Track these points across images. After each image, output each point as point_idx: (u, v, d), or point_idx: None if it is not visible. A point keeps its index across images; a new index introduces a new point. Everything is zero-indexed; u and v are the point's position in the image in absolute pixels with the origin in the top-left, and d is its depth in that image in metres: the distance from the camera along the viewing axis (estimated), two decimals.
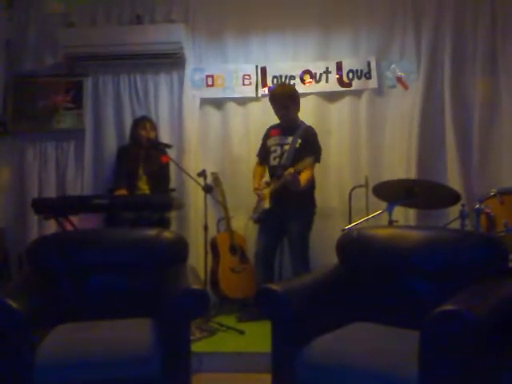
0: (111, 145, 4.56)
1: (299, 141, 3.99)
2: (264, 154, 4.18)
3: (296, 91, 4.12)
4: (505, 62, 4.23)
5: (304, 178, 3.81)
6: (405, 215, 4.21)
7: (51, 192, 4.56)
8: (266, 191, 3.96)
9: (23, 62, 4.68)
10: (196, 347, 3.06)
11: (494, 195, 3.29)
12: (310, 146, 3.96)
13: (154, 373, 2.30)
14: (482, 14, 4.30)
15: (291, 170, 3.72)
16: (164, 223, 4.04)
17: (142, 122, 4.32)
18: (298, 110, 4.11)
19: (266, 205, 3.93)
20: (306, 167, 3.76)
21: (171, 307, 2.40)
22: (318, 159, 3.99)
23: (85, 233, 3.25)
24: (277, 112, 4.08)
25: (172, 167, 4.37)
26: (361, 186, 4.12)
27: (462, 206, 3.36)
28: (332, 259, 2.87)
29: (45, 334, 2.41)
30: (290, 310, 2.33)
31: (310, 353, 2.24)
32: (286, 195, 3.84)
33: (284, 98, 4.01)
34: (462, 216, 3.29)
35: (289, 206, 3.90)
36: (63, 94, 4.64)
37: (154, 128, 4.37)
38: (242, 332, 3.73)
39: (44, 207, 3.71)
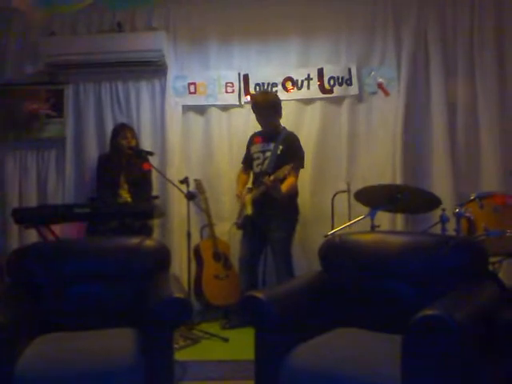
0: (93, 153, 4.54)
1: (281, 147, 4.00)
2: (248, 161, 4.20)
3: (278, 99, 4.14)
4: (482, 68, 4.29)
5: (286, 184, 3.82)
6: (386, 220, 4.24)
7: (32, 201, 4.53)
8: (248, 197, 3.97)
9: (4, 71, 4.64)
10: (180, 355, 3.05)
11: (474, 199, 3.33)
12: (291, 153, 3.98)
13: (137, 382, 2.27)
14: (461, 20, 4.36)
15: (271, 177, 3.73)
16: (146, 231, 4.02)
17: (122, 130, 4.29)
18: (280, 117, 4.13)
19: (248, 211, 3.94)
20: (285, 174, 3.76)
21: (154, 316, 2.38)
22: (301, 165, 4.01)
23: (66, 242, 3.23)
24: (259, 119, 4.09)
25: (154, 174, 4.35)
26: (343, 191, 4.14)
27: (443, 210, 3.39)
28: (315, 265, 2.88)
29: (26, 346, 2.37)
30: (273, 317, 2.32)
31: (294, 360, 2.24)
32: (269, 202, 3.85)
33: (266, 106, 4.02)
34: (443, 220, 3.32)
35: (272, 213, 3.91)
36: (44, 102, 4.61)
37: (135, 136, 4.35)
38: (225, 339, 3.72)
39: (24, 216, 3.67)
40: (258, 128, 4.21)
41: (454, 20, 4.38)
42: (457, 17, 4.38)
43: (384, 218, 4.14)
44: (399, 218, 4.28)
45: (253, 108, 4.11)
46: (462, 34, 4.36)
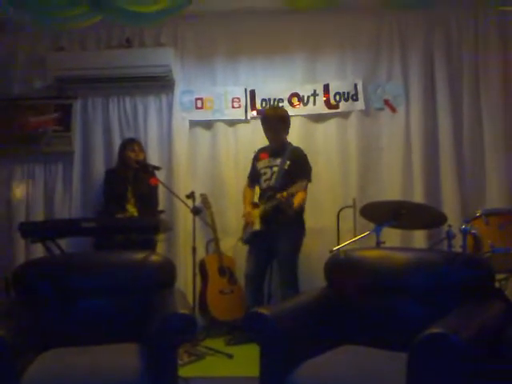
0: (100, 167, 4.57)
1: (288, 162, 4.01)
2: (254, 177, 4.21)
3: (288, 114, 4.16)
4: (486, 85, 4.33)
5: (297, 200, 3.83)
6: (392, 236, 4.21)
7: (39, 215, 4.54)
8: (256, 212, 3.97)
9: (13, 85, 4.69)
10: (184, 372, 3.03)
11: (480, 216, 3.32)
12: (299, 168, 3.99)
13: None
14: (466, 37, 4.41)
15: (284, 193, 3.72)
16: (151, 246, 4.02)
17: (130, 144, 4.32)
18: (287, 133, 4.14)
19: (257, 226, 3.93)
20: (298, 190, 3.76)
21: (158, 332, 2.37)
22: (309, 179, 4.01)
23: (72, 257, 3.23)
24: (267, 134, 4.10)
25: (161, 189, 4.37)
26: (349, 206, 4.14)
27: (449, 226, 3.39)
28: (320, 280, 2.88)
29: (31, 361, 2.37)
30: (278, 334, 2.32)
31: (299, 377, 2.22)
32: (276, 217, 3.85)
33: (276, 120, 4.04)
34: (449, 237, 3.31)
35: (278, 228, 3.91)
36: (52, 116, 4.64)
37: (143, 150, 4.38)
38: (230, 356, 3.70)
39: (31, 231, 3.68)
40: (264, 143, 4.22)
41: (459, 37, 4.43)
42: (462, 34, 4.43)
43: (389, 234, 4.12)
44: (405, 235, 4.27)
45: (262, 122, 4.12)
46: (467, 51, 4.40)
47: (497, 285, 3.21)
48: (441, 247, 3.63)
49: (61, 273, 2.89)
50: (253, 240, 3.99)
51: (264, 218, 3.92)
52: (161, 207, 4.43)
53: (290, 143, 4.16)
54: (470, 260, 2.66)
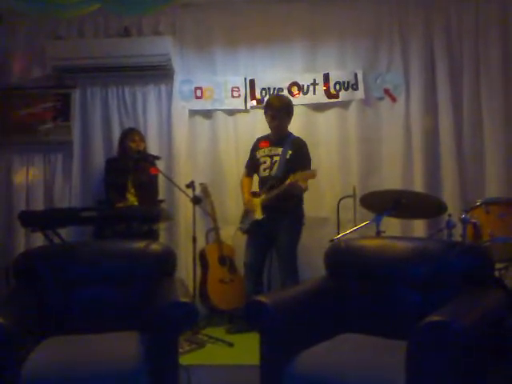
0: (99, 157, 4.56)
1: (289, 152, 4.00)
2: (252, 166, 4.20)
3: (292, 103, 4.14)
4: (487, 74, 4.32)
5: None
6: (392, 225, 4.22)
7: (39, 204, 4.54)
8: (257, 201, 3.97)
9: (11, 74, 4.66)
10: (184, 360, 3.04)
11: (480, 205, 3.32)
12: (301, 157, 3.98)
13: None
14: (467, 26, 4.39)
15: (292, 178, 3.71)
16: (152, 235, 4.02)
17: (130, 134, 4.31)
18: (290, 122, 4.13)
19: (259, 216, 3.93)
20: (307, 177, 3.76)
21: (159, 320, 2.38)
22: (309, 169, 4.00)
23: (72, 245, 3.23)
24: (270, 122, 4.07)
25: (161, 178, 4.36)
26: (349, 196, 4.14)
27: (449, 215, 3.39)
28: (320, 270, 2.88)
29: (32, 349, 2.38)
30: (278, 322, 2.33)
31: (299, 365, 2.24)
32: (277, 206, 3.85)
33: (280, 109, 4.02)
34: (449, 226, 3.31)
35: (278, 217, 3.91)
36: (51, 105, 4.62)
37: (143, 139, 4.37)
38: (230, 344, 3.72)
39: (31, 220, 3.67)
40: (264, 132, 4.22)
41: (460, 27, 4.41)
42: (462, 23, 4.40)
43: (389, 224, 4.12)
44: (405, 224, 4.28)
45: (266, 110, 4.08)
46: (467, 40, 4.38)
47: (496, 274, 3.21)
48: (441, 236, 3.63)
49: (61, 262, 2.90)
50: (253, 229, 4.00)
51: (265, 207, 3.92)
52: (161, 197, 4.42)
53: (290, 133, 4.15)
54: (470, 249, 2.66)
